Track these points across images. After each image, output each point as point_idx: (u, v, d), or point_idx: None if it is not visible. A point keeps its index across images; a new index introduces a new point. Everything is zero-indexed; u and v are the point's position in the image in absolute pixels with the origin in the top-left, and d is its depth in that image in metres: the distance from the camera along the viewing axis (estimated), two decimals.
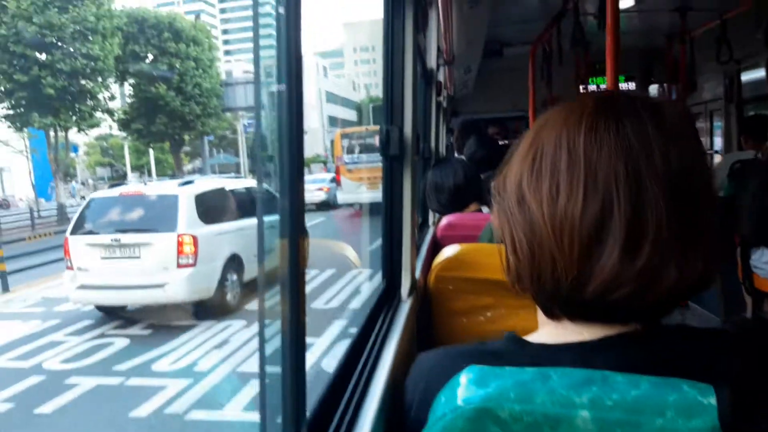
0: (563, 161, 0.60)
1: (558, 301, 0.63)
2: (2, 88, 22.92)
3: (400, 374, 1.03)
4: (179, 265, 6.79)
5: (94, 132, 37.93)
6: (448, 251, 1.59)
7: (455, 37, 3.24)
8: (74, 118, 24.07)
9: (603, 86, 3.78)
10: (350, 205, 19.81)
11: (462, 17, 2.82)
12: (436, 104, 3.46)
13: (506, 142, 4.99)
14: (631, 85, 5.62)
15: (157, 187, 7.76)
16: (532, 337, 0.67)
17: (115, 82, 29.32)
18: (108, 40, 24.70)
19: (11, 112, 23.42)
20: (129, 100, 30.34)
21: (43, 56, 22.38)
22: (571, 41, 3.34)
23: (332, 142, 19.58)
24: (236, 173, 54.85)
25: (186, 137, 32.31)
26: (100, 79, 24.85)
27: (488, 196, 1.89)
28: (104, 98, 25.53)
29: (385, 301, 1.48)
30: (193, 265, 6.84)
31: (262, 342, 0.79)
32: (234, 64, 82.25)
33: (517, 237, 0.63)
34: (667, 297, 0.59)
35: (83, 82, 23.80)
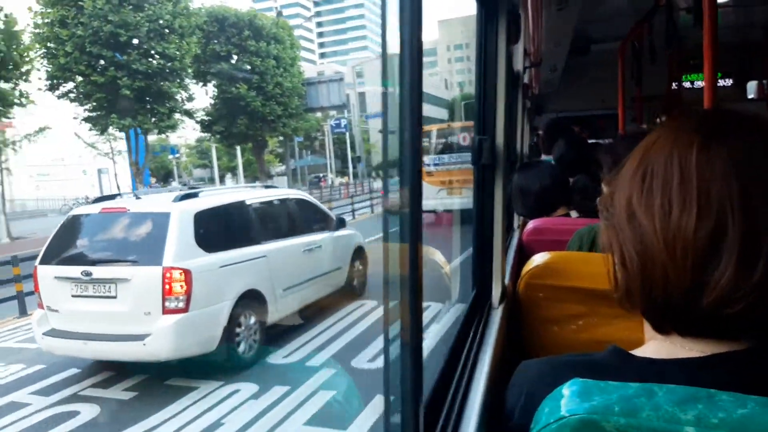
0: (675, 178, 0.60)
1: (669, 315, 0.62)
2: (82, 90, 22.77)
3: (497, 379, 1.11)
4: (165, 310, 4.90)
5: (194, 134, 38.01)
6: (538, 258, 1.54)
7: (543, 39, 3.18)
8: (152, 119, 23.58)
9: (698, 83, 4.51)
10: (430, 211, 17.62)
11: (550, 19, 2.77)
12: (522, 106, 3.37)
13: (596, 141, 4.53)
14: (728, 82, 5.41)
15: (146, 202, 5.72)
16: (639, 351, 0.66)
17: (196, 83, 28.94)
18: (186, 39, 24.03)
19: (92, 114, 23.27)
20: (211, 101, 29.82)
21: (119, 56, 21.92)
22: (664, 38, 3.23)
23: None
24: (321, 175, 54.48)
25: (269, 138, 31.39)
26: (177, 80, 24.24)
27: (577, 200, 2.44)
28: (182, 99, 24.94)
29: (477, 308, 1.51)
30: (185, 310, 4.91)
31: (387, 347, 0.79)
32: (326, 65, 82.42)
33: (627, 252, 0.63)
34: None
35: (160, 82, 23.22)
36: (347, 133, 53.56)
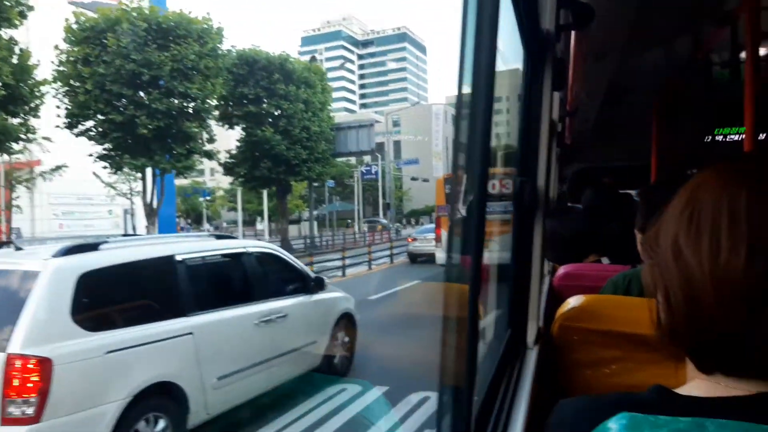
0: (724, 219, 0.60)
1: (717, 356, 0.61)
2: (100, 129, 22.21)
3: (533, 420, 1.11)
4: (5, 419, 3.39)
5: (227, 178, 37.20)
6: (573, 301, 1.55)
7: (578, 89, 3.25)
8: (169, 159, 22.77)
9: (731, 137, 4.18)
10: None
11: (586, 70, 2.82)
12: (555, 154, 3.35)
13: (628, 192, 3.84)
14: (762, 136, 4.50)
15: (20, 256, 4.06)
16: (681, 390, 0.65)
17: (222, 125, 28.32)
18: (211, 80, 23.41)
19: (106, 153, 22.61)
20: (237, 144, 29.11)
21: (140, 95, 21.32)
22: (700, 92, 3.30)
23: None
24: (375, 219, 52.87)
25: (294, 183, 30.35)
26: (198, 120, 23.52)
27: (609, 247, 2.39)
28: (202, 140, 24.16)
29: (512, 349, 1.54)
30: (35, 419, 3.32)
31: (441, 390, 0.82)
32: (365, 113, 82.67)
33: (673, 291, 0.63)
34: None
35: (180, 122, 22.51)
36: (380, 180, 52.49)
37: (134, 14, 21.30)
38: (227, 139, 33.12)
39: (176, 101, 21.95)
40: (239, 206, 37.35)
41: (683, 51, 3.18)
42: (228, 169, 28.97)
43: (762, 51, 2.53)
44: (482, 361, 1.39)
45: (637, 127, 4.58)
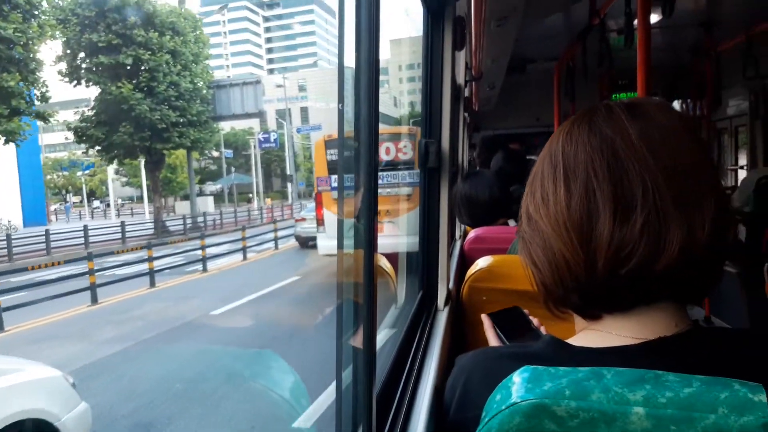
0: (546, 168, 0.66)
1: (583, 295, 0.64)
2: None
3: (441, 381, 1.12)
4: None
5: None
6: (482, 263, 1.60)
7: (483, 55, 3.32)
8: None
9: None
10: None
11: (490, 35, 2.88)
12: (462, 120, 3.42)
13: (533, 157, 4.08)
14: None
15: None
16: (574, 341, 0.67)
17: (69, 81, 22.95)
18: (37, 20, 18.16)
19: None
20: (88, 105, 23.83)
21: None
22: (597, 58, 3.39)
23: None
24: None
25: (166, 151, 25.46)
26: (23, 72, 18.25)
27: (515, 209, 2.02)
28: (29, 97, 18.94)
29: (423, 311, 1.54)
30: None
31: (339, 354, 0.81)
32: (272, 77, 76.80)
33: (534, 251, 0.66)
34: (687, 262, 0.59)
35: None
36: (287, 149, 47.89)
37: None
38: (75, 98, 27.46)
39: None
40: (110, 179, 31.85)
41: (581, 17, 3.29)
42: (80, 135, 23.70)
43: (653, 18, 2.53)
44: (393, 325, 1.54)
45: (541, 93, 4.85)
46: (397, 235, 11.13)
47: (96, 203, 62.43)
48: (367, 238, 0.80)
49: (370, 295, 0.79)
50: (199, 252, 14.37)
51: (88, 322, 9.19)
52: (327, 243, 11.73)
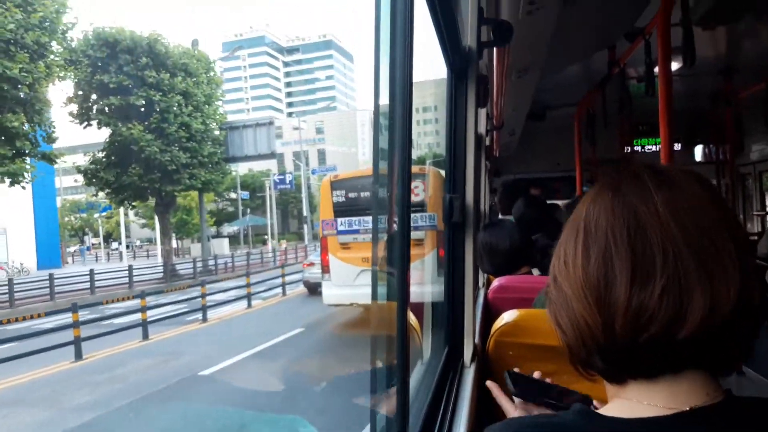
0: (570, 231, 0.67)
1: (605, 358, 0.63)
2: None
3: None
4: None
5: None
6: (507, 316, 1.58)
7: (503, 105, 3.35)
8: None
9: (649, 147, 5.02)
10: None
11: (511, 87, 2.92)
12: (484, 167, 3.50)
13: (555, 203, 4.34)
14: (677, 147, 5.09)
15: None
16: (604, 410, 0.66)
17: (79, 123, 22.70)
18: (45, 60, 17.94)
19: None
20: (100, 148, 23.51)
21: None
22: (618, 105, 3.38)
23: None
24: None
25: (175, 192, 24.91)
26: (31, 113, 17.92)
27: (538, 258, 2.53)
28: (36, 138, 18.56)
29: (450, 367, 1.51)
30: None
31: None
32: (288, 120, 77.28)
33: (558, 312, 0.66)
34: (711, 330, 0.58)
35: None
36: (303, 190, 47.37)
37: None
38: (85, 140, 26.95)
39: None
40: (122, 222, 31.37)
41: (601, 66, 3.39)
42: (90, 177, 23.30)
43: (674, 66, 2.56)
44: (420, 381, 1.43)
45: (561, 138, 4.86)
46: (412, 284, 10.17)
47: (114, 245, 62.33)
48: (401, 290, 0.79)
49: (403, 357, 0.78)
50: (206, 297, 13.49)
51: (65, 382, 8.27)
52: (333, 292, 10.77)
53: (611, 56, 3.28)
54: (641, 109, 3.23)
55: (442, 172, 2.28)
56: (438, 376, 1.41)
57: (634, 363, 0.62)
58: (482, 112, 2.42)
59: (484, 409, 1.45)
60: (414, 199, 10.92)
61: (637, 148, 5.05)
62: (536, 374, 1.19)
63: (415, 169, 13.65)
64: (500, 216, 4.72)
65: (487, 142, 3.52)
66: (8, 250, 37.24)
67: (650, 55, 2.56)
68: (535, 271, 2.50)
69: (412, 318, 1.60)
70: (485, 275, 3.03)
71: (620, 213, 0.62)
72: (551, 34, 2.28)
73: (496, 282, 2.29)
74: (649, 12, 2.41)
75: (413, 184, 11.27)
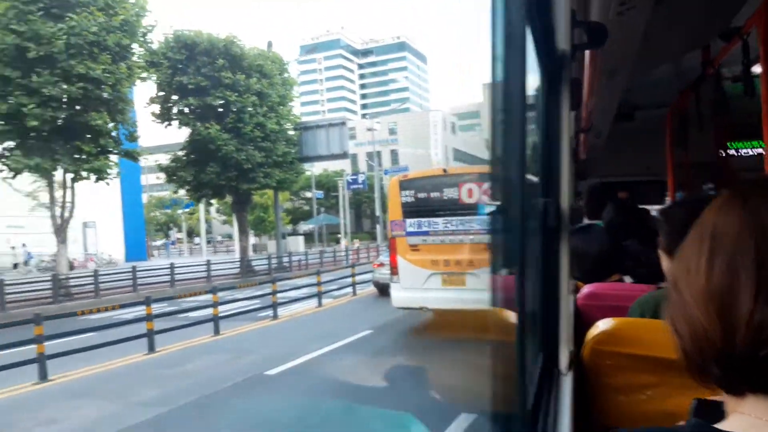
0: (694, 238, 0.65)
1: (723, 366, 0.62)
2: None
3: None
4: None
5: None
6: (603, 324, 1.53)
7: (591, 107, 3.30)
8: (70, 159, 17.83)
9: (744, 151, 4.71)
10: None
11: (600, 88, 2.88)
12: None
13: (646, 208, 3.89)
14: None
15: None
16: (723, 426, 0.64)
17: (158, 121, 23.51)
18: (126, 62, 18.62)
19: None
20: (181, 147, 24.27)
21: (33, 78, 16.46)
22: (712, 107, 3.23)
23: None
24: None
25: (251, 190, 25.34)
26: (113, 112, 18.65)
27: (630, 265, 2.43)
28: (118, 136, 19.31)
29: (545, 375, 1.50)
30: None
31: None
32: (362, 121, 77.76)
33: (676, 318, 0.66)
34: None
35: (85, 114, 17.65)
36: (376, 190, 47.39)
37: None
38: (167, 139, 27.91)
39: (74, 87, 17.06)
40: (202, 218, 32.37)
41: (694, 66, 3.23)
42: (170, 175, 24.10)
43: None
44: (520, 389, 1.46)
45: (650, 141, 4.56)
46: (484, 290, 9.60)
47: (197, 240, 64.82)
48: (519, 295, 0.84)
49: (523, 364, 0.83)
50: (277, 295, 13.42)
51: (135, 375, 8.32)
52: (401, 294, 10.39)
53: (705, 56, 3.14)
54: (738, 110, 3.08)
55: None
56: (537, 384, 1.40)
57: (753, 375, 0.60)
58: (571, 115, 2.35)
59: (582, 417, 1.44)
60: (487, 200, 10.38)
61: (732, 152, 4.90)
62: None
63: (488, 168, 13.07)
64: (586, 220, 4.56)
65: (574, 145, 3.45)
66: (98, 242, 39.45)
67: (748, 54, 2.45)
68: (627, 279, 2.43)
69: (511, 322, 1.60)
70: (573, 282, 2.85)
71: (748, 224, 0.61)
72: (642, 35, 2.20)
73: (585, 289, 2.22)
74: (745, 10, 2.31)
75: (484, 186, 10.65)
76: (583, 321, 1.81)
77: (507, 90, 0.85)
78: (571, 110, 1.72)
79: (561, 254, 1.63)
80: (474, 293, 9.52)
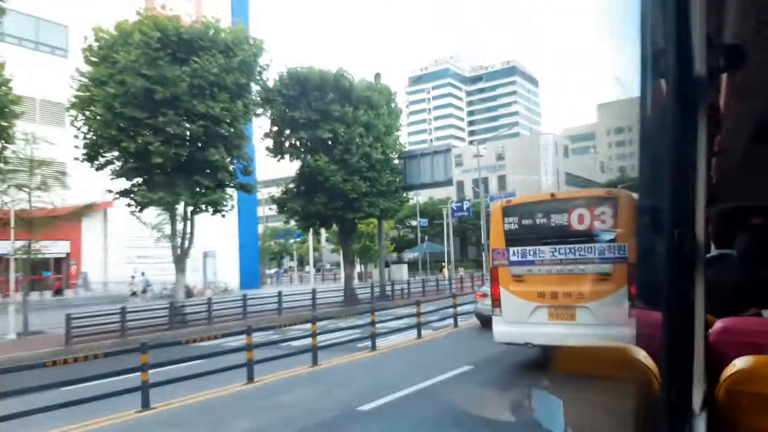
0: None
1: None
2: (116, 161, 19.19)
3: None
4: None
5: None
6: (741, 363, 1.46)
7: (726, 129, 3.02)
8: (195, 194, 19.14)
9: None
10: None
11: (736, 110, 2.63)
12: None
13: None
14: None
15: None
16: None
17: (273, 156, 24.64)
18: (243, 100, 19.75)
19: (128, 188, 19.48)
20: (291, 179, 25.26)
21: (158, 118, 17.94)
22: None
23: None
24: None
25: (355, 219, 25.77)
26: (230, 148, 19.80)
27: None
28: (234, 170, 20.42)
29: (678, 416, 1.39)
30: None
31: None
32: (468, 148, 77.32)
33: None
34: None
35: (204, 150, 18.88)
36: (482, 218, 46.61)
37: (148, 24, 18.13)
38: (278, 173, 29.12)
39: (195, 125, 18.31)
40: (310, 246, 33.50)
41: None
42: (281, 206, 25.11)
43: None
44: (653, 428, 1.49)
45: None
46: (596, 324, 8.87)
47: (307, 268, 67.37)
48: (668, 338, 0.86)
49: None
50: (377, 325, 13.35)
51: (230, 406, 8.48)
52: (504, 329, 9.84)
53: None
54: None
55: (635, 196, 1.69)
56: (668, 423, 1.38)
57: None
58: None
59: None
60: (599, 226, 9.65)
61: None
62: None
63: (599, 192, 12.25)
64: (714, 249, 4.27)
65: None
66: (217, 271, 41.95)
67: None
68: (766, 313, 2.30)
69: (649, 361, 1.60)
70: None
71: None
72: None
73: (719, 323, 2.06)
74: None
75: (598, 210, 9.93)
76: (714, 359, 1.69)
77: (642, 112, 0.81)
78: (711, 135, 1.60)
79: (696, 288, 1.52)
80: (585, 328, 8.80)
